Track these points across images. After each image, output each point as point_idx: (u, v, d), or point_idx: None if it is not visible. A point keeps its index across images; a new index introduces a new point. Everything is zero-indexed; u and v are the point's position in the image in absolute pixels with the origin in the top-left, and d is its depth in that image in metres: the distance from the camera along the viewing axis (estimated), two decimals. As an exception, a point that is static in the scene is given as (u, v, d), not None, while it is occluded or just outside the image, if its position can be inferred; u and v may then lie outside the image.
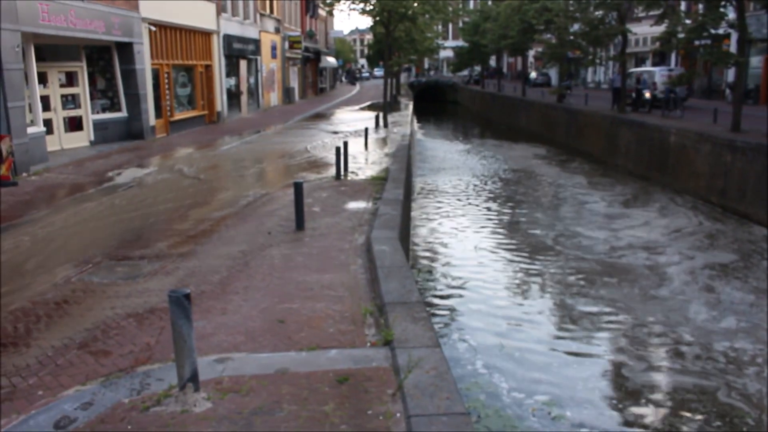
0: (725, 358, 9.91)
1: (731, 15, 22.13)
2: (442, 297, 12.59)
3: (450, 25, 73.77)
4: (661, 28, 24.76)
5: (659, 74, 30.71)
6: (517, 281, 13.54)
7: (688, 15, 25.27)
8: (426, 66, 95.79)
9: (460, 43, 62.61)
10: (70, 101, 19.47)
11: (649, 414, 8.52)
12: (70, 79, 19.44)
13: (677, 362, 9.84)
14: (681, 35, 23.54)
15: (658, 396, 8.96)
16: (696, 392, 8.96)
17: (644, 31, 38.51)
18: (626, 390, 9.06)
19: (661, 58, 42.69)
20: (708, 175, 19.91)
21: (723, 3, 21.34)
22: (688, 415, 8.48)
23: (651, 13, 29.94)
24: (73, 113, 19.62)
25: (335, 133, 24.58)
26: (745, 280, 13.27)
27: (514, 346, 10.27)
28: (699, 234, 16.63)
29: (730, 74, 30.41)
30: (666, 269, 13.82)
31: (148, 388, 4.75)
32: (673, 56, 40.05)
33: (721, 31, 22.89)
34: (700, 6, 25.27)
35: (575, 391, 8.94)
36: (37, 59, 17.29)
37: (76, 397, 4.67)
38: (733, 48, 26.50)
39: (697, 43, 23.52)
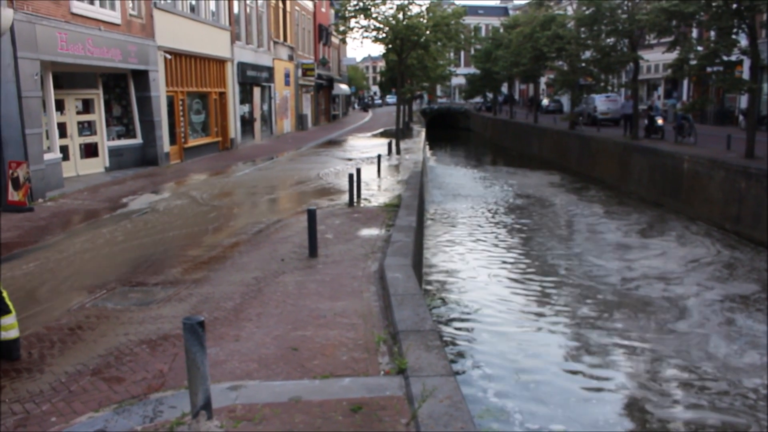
0: (755, 394, 9.49)
1: (743, 42, 22.16)
2: (455, 325, 12.49)
3: (462, 53, 74.35)
4: (673, 55, 24.82)
5: (598, 100, 32.34)
6: (532, 311, 13.37)
7: (700, 42, 25.33)
8: (438, 93, 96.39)
9: (472, 70, 63.04)
10: (86, 128, 19.73)
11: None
12: (87, 106, 19.72)
13: (702, 398, 9.48)
14: (693, 62, 23.59)
15: (684, 432, 8.67)
16: (726, 431, 8.63)
17: (656, 58, 38.67)
18: (648, 424, 8.80)
19: (673, 85, 42.76)
20: (722, 202, 19.76)
21: (735, 30, 21.39)
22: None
23: (663, 40, 30.04)
24: (89, 140, 19.87)
25: (348, 159, 24.69)
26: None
27: (528, 376, 10.12)
28: (717, 263, 16.38)
29: (743, 101, 30.35)
30: (685, 301, 13.58)
31: (161, 416, 4.72)
32: (685, 83, 40.09)
33: (733, 58, 22.89)
34: (712, 33, 25.34)
35: (593, 423, 8.76)
36: (55, 87, 17.56)
37: (89, 424, 4.65)
38: (745, 74, 26.48)
39: (709, 69, 23.54)
